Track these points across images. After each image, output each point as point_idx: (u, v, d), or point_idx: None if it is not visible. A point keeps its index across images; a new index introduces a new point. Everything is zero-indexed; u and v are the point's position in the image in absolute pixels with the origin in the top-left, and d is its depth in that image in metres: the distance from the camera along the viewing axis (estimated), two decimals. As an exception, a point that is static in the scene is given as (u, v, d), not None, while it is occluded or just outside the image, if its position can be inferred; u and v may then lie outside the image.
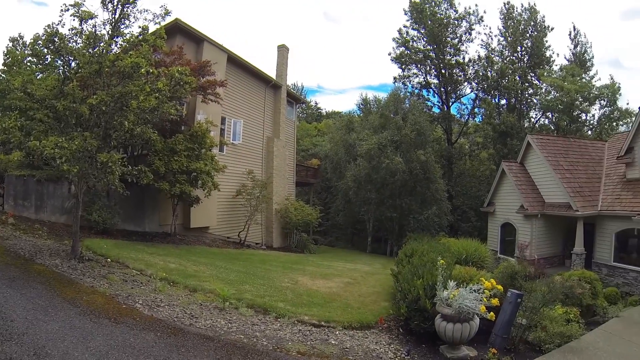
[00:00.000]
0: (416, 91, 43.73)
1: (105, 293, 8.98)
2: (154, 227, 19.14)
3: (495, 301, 8.68)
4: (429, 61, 42.54)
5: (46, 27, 10.90)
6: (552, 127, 41.67)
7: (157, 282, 10.34)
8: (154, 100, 11.21)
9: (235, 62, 24.17)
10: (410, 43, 42.46)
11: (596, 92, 39.03)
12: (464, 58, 43.11)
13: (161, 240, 17.73)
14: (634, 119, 20.66)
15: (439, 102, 44.50)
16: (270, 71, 28.68)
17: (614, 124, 39.79)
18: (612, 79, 41.85)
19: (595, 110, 40.82)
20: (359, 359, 7.84)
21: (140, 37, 11.86)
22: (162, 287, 10.18)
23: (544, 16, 42.08)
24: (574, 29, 43.23)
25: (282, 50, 29.91)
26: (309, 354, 7.52)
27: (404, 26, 43.02)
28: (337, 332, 9.05)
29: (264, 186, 23.76)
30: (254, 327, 8.40)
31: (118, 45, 11.87)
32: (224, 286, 10.42)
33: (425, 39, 41.98)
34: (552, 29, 42.00)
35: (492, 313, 8.49)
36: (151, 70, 11.37)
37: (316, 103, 74.41)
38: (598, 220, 20.38)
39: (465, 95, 45.16)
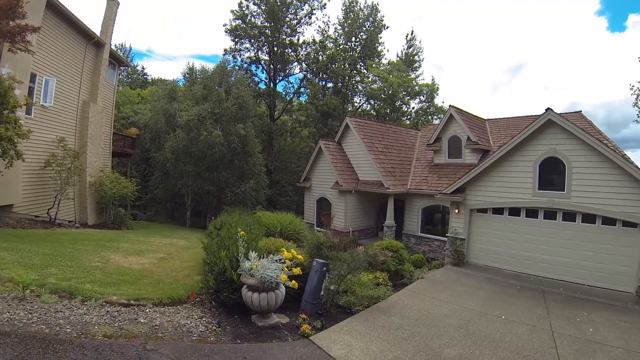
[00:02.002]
0: (245, 65, 43.55)
1: None
2: None
3: (297, 270, 9.13)
4: (263, 37, 42.43)
5: None
6: (374, 113, 45.25)
7: None
8: None
9: (55, 10, 20.36)
10: (249, 17, 41.91)
11: (417, 89, 44.17)
12: (298, 39, 44.06)
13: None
14: (444, 114, 23.20)
15: (267, 79, 44.82)
16: (96, 27, 25.18)
17: (429, 117, 45.62)
18: (433, 79, 48.71)
19: (415, 104, 46.23)
20: (168, 335, 7.73)
21: None
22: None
23: (383, 16, 45.67)
24: (412, 33, 48.79)
25: (112, 4, 26.66)
26: (115, 335, 7.18)
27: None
28: (148, 310, 8.76)
29: (77, 156, 21.16)
30: (57, 315, 7.66)
31: None
32: (25, 272, 9.26)
33: (264, 15, 41.70)
34: (387, 27, 45.81)
35: (294, 281, 8.91)
36: None
37: (143, 68, 69.67)
38: (407, 197, 23.17)
39: (293, 75, 46.43)
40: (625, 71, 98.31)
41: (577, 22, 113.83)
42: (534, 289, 14.49)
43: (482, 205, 17.85)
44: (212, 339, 7.99)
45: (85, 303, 8.46)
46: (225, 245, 10.50)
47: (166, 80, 48.31)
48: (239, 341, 8.05)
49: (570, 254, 15.53)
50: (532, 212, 16.55)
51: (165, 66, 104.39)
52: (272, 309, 9.05)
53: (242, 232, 10.00)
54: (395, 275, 14.61)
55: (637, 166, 14.15)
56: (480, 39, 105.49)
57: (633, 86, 17.62)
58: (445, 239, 19.30)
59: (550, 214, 16.08)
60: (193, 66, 38.28)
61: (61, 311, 7.85)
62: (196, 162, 29.30)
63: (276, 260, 9.11)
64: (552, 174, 15.90)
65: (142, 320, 8.10)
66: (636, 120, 17.34)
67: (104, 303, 8.61)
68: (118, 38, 69.96)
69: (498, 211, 17.53)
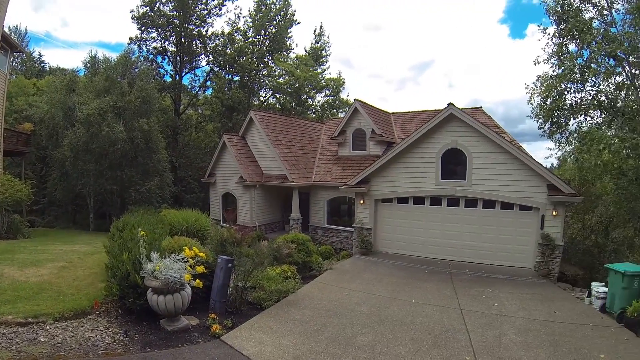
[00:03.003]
0: (150, 56, 41.33)
1: None
2: None
3: (200, 268, 8.90)
4: (171, 27, 40.49)
5: None
6: (280, 107, 45.10)
7: None
8: None
9: None
10: (157, 5, 39.42)
11: (324, 83, 44.59)
12: (207, 31, 42.57)
13: None
14: (349, 107, 23.72)
15: (172, 71, 42.99)
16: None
17: (335, 111, 46.07)
18: (339, 74, 49.17)
19: (321, 98, 46.48)
20: (72, 352, 7.33)
21: None
22: None
23: (295, 10, 45.07)
24: (321, 28, 49.10)
25: (6, -20, 23.34)
26: (13, 360, 6.62)
27: (155, -14, 40.00)
28: (48, 327, 8.22)
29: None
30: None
31: None
32: None
33: (173, 4, 39.73)
34: (299, 22, 45.47)
35: (198, 280, 8.73)
36: None
37: (40, 55, 62.51)
38: (313, 190, 23.34)
39: (199, 67, 44.81)
40: (522, 73, 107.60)
41: (482, 27, 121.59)
42: (442, 272, 15.33)
43: (387, 195, 18.52)
44: (119, 350, 7.66)
45: (-24, 328, 7.71)
46: (127, 247, 10.05)
47: (65, 70, 44.65)
48: (148, 349, 7.78)
49: (473, 237, 16.69)
50: (436, 200, 17.46)
51: (65, 54, 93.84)
52: (180, 311, 8.81)
53: (142, 232, 9.57)
54: (304, 267, 14.74)
55: (531, 157, 15.58)
56: (388, 35, 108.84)
57: (528, 85, 19.13)
58: (352, 229, 19.73)
59: (453, 202, 17.10)
60: (96, 55, 34.89)
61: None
62: (97, 160, 27.37)
63: (179, 260, 8.81)
64: (454, 164, 16.88)
65: (42, 340, 7.61)
66: (529, 116, 18.93)
67: (-2, 325, 7.92)
68: (11, 19, 62.88)
69: (403, 200, 18.28)
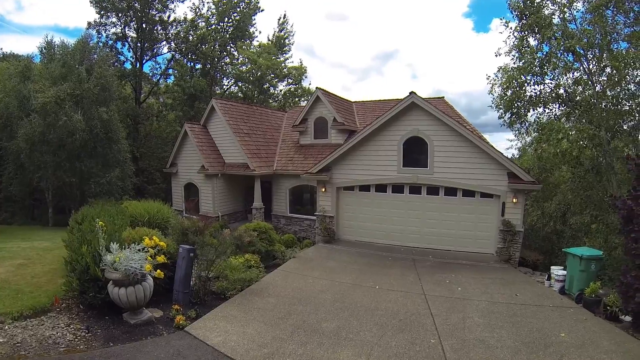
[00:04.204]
0: (110, 42, 39.90)
1: None
2: None
3: (161, 258, 8.76)
4: (131, 12, 39.02)
5: None
6: (242, 96, 44.63)
7: None
8: None
9: None
10: None
11: (286, 71, 44.53)
12: (169, 16, 41.48)
13: None
14: (311, 96, 23.69)
15: (133, 58, 41.73)
16: None
17: (297, 99, 46.12)
18: (301, 62, 49.11)
19: (284, 86, 46.46)
20: (32, 351, 7.18)
21: None
22: None
23: None
24: (284, 17, 48.55)
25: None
26: (-30, 363, 6.42)
27: (117, -33, 38.27)
28: (7, 327, 8.02)
29: None
30: None
31: None
32: None
33: None
34: (262, 10, 44.81)
35: (159, 271, 8.54)
36: None
37: None
38: (275, 179, 23.38)
39: (161, 55, 43.72)
40: (485, 66, 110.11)
41: (446, 20, 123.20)
42: (405, 259, 15.58)
43: (349, 183, 18.64)
44: (82, 346, 7.53)
45: None
46: (86, 240, 9.78)
47: (20, 56, 42.78)
48: (111, 344, 7.66)
49: (436, 224, 17.00)
50: (398, 188, 17.67)
51: (19, 40, 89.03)
52: (142, 303, 8.68)
53: (101, 223, 9.28)
54: (267, 256, 14.73)
55: (492, 145, 16.04)
56: (352, 25, 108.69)
57: (489, 77, 19.63)
58: (315, 217, 19.79)
59: (415, 189, 17.33)
60: (52, 40, 33.35)
61: None
62: (55, 152, 26.25)
63: (139, 250, 8.64)
64: (416, 152, 17.08)
65: (0, 340, 7.41)
66: (490, 106, 19.44)
67: (-47, 328, 7.60)
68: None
69: (365, 188, 18.42)
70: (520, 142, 23.32)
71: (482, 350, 7.91)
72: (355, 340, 8.20)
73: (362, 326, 8.92)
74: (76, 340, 7.76)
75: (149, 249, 8.75)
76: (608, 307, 9.71)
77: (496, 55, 19.34)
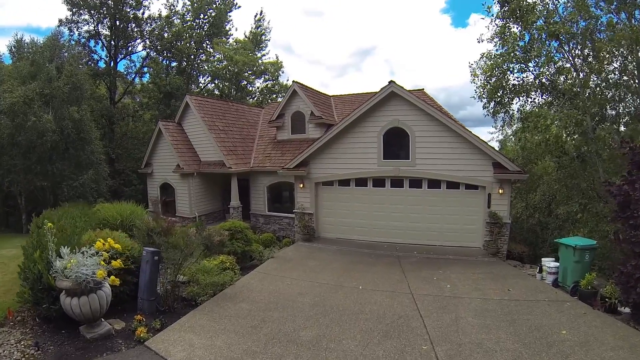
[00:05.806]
0: (82, 40, 38.38)
1: None
2: None
3: (116, 263, 7.85)
4: (105, 9, 37.57)
5: None
6: (218, 93, 44.08)
7: None
8: None
9: None
10: None
11: (263, 68, 44.27)
12: (143, 13, 40.14)
13: None
14: (288, 90, 22.97)
15: (107, 57, 40.41)
16: None
17: (275, 95, 45.82)
18: (277, 58, 48.24)
19: (260, 83, 46.16)
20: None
21: None
22: None
23: None
24: (261, 13, 47.91)
25: None
26: None
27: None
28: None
29: None
30: None
31: None
32: None
33: None
34: (239, 6, 44.14)
35: (113, 277, 7.64)
36: None
37: None
38: (252, 176, 22.63)
39: (135, 53, 42.55)
40: (464, 60, 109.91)
41: (424, 15, 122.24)
42: (389, 256, 14.86)
43: (328, 178, 17.88)
44: (28, 366, 6.60)
45: None
46: (41, 244, 8.70)
47: None
48: (62, 363, 6.74)
49: (420, 219, 16.30)
50: (379, 182, 16.96)
51: None
52: (99, 314, 7.69)
53: (50, 224, 8.33)
54: (244, 257, 13.98)
55: (475, 135, 15.28)
56: (329, 21, 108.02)
57: (472, 64, 19.35)
58: (294, 215, 19.04)
59: (397, 182, 16.63)
60: (22, 39, 32.29)
61: None
62: (25, 154, 25.05)
63: (93, 254, 7.67)
64: (397, 144, 16.38)
65: None
66: (473, 97, 19.14)
67: None
68: None
69: (344, 183, 17.69)
70: (502, 134, 23.06)
71: (481, 355, 7.21)
72: (337, 351, 7.39)
73: (344, 334, 8.12)
74: (23, 359, 6.88)
75: (103, 252, 7.76)
76: (606, 299, 9.23)
77: (479, 42, 19.05)
